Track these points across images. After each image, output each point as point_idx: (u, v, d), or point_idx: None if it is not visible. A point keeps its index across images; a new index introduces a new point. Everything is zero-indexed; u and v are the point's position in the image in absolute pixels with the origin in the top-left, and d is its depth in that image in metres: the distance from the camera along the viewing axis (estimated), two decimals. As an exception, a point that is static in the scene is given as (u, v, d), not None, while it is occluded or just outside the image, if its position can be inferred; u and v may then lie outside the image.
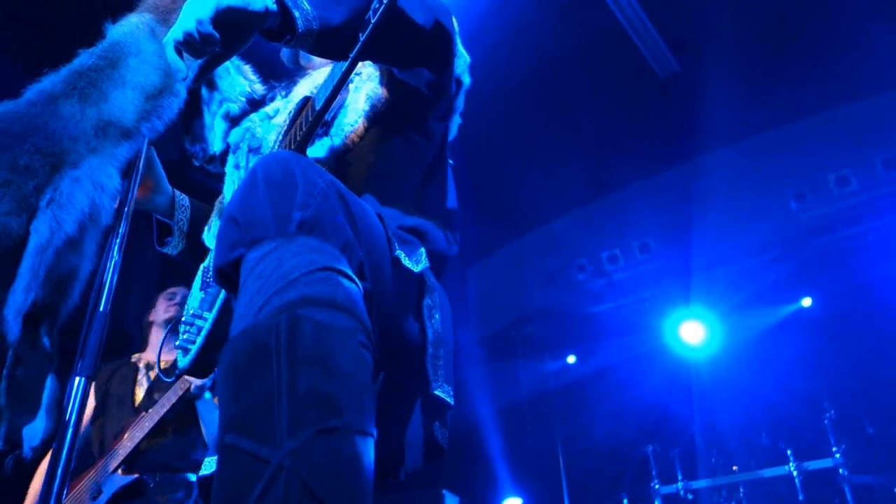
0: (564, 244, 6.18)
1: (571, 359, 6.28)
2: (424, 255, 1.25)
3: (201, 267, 1.59)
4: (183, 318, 1.54)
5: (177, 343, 1.53)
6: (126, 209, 1.37)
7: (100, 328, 1.25)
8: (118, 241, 1.35)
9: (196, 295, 1.55)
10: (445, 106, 1.41)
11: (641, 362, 5.61)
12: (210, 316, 1.46)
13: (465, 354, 5.66)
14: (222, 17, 1.01)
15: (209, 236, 1.58)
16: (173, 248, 1.65)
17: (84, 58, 1.35)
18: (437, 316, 1.22)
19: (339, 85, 1.18)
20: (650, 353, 5.61)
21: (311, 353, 0.80)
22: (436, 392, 1.18)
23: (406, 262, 1.17)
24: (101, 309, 1.27)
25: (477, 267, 6.72)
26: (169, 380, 1.52)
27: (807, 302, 5.17)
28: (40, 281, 1.16)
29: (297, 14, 1.06)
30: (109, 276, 1.29)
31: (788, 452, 4.18)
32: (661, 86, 4.88)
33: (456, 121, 1.48)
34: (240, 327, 0.86)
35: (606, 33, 4.41)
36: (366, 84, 1.37)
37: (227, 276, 0.98)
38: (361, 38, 1.10)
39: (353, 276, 0.95)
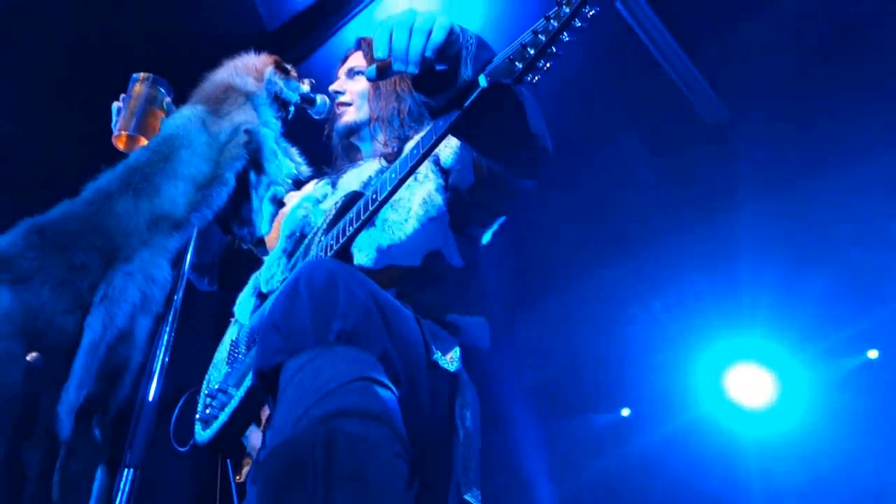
0: (614, 292, 6.08)
1: (626, 412, 6.11)
2: (459, 353, 1.26)
3: (228, 339, 1.60)
4: (205, 391, 1.55)
5: (197, 416, 1.53)
6: (176, 298, 1.40)
7: (148, 419, 1.27)
8: (168, 329, 1.38)
9: (221, 367, 1.55)
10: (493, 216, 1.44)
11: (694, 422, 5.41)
12: (237, 393, 1.47)
13: (515, 405, 5.57)
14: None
15: (240, 310, 1.60)
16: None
17: (139, 153, 1.41)
18: (468, 415, 1.24)
19: (412, 169, 1.21)
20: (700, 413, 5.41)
21: (347, 467, 0.82)
22: (466, 497, 1.20)
23: (442, 363, 1.19)
24: (150, 399, 1.29)
25: (525, 315, 6.65)
26: (182, 449, 1.54)
27: (873, 354, 4.93)
28: (93, 377, 1.19)
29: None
30: (158, 366, 1.32)
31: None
32: (710, 132, 4.83)
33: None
34: (279, 439, 0.89)
35: (655, 84, 4.41)
36: (421, 186, 1.41)
37: (266, 378, 1.03)
38: (453, 115, 1.14)
39: (389, 385, 0.98)
